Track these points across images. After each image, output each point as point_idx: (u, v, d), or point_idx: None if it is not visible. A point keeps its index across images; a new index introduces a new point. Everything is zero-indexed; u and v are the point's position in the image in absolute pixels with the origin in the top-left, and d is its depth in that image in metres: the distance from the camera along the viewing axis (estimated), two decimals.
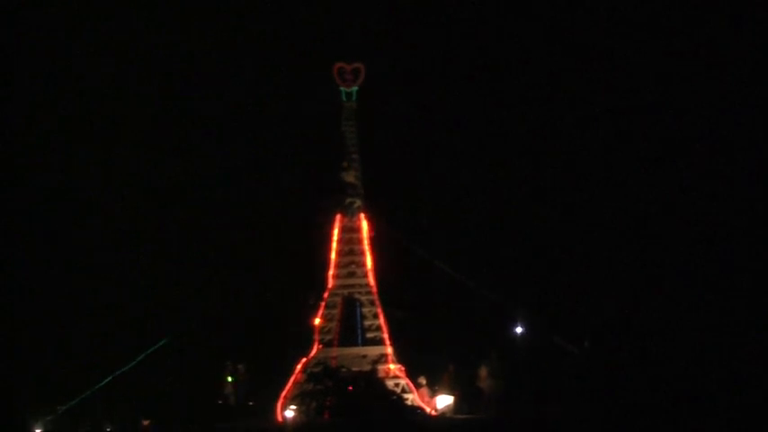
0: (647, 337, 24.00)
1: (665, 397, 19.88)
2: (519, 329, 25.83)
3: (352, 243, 28.04)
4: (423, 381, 25.66)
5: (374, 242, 27.94)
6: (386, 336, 26.53)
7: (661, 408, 19.22)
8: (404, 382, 25.66)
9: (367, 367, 24.72)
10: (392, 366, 25.95)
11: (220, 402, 25.05)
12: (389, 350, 26.29)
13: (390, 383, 25.01)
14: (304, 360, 26.14)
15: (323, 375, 23.45)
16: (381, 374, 24.98)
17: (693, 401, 18.89)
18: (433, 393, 25.21)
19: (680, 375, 21.04)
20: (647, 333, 24.28)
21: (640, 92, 33.25)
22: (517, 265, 30.53)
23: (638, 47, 33.63)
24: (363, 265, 27.72)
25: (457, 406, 24.37)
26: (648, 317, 25.29)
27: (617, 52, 33.46)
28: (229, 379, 25.31)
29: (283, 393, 25.20)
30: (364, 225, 28.15)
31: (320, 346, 26.49)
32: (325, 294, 27.28)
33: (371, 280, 27.52)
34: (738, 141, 28.94)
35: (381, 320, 26.77)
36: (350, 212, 27.99)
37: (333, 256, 27.79)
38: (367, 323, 26.84)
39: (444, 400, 24.69)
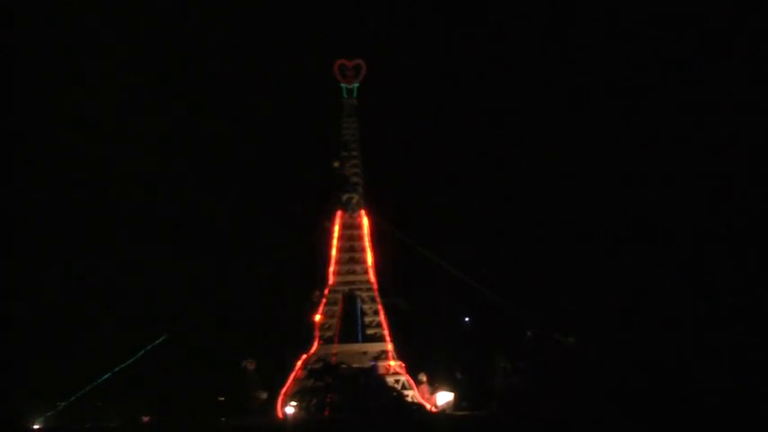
0: (643, 335, 24.09)
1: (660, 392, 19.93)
2: (467, 319, 25.72)
3: (353, 240, 28.03)
4: (423, 378, 25.64)
5: (374, 238, 27.94)
6: (386, 332, 26.48)
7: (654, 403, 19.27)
8: (404, 378, 25.64)
9: (367, 364, 24.65)
10: (392, 363, 25.91)
11: (221, 399, 25.02)
12: (390, 347, 26.24)
13: (391, 380, 25.00)
14: (304, 356, 26.10)
15: (323, 372, 23.41)
16: (382, 371, 24.92)
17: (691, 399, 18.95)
18: (434, 390, 25.21)
19: (677, 373, 21.10)
20: (644, 330, 24.36)
21: (640, 92, 33.35)
22: (516, 263, 30.55)
23: (637, 47, 33.73)
24: (364, 261, 27.72)
25: (456, 403, 24.36)
26: (645, 314, 25.37)
27: (619, 54, 33.58)
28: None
29: (284, 390, 25.16)
30: (365, 221, 28.15)
31: (320, 343, 26.43)
32: (326, 291, 27.25)
33: (372, 276, 27.52)
34: (738, 141, 29.03)
35: (382, 317, 26.73)
36: (349, 208, 27.95)
37: (333, 252, 27.78)
38: (367, 320, 26.79)
39: (444, 397, 24.68)
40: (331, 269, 27.59)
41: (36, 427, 23.62)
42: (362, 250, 27.82)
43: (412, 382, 25.59)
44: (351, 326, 26.34)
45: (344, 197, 27.92)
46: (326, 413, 22.18)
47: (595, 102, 34.02)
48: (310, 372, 23.98)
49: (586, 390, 21.81)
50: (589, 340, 24.88)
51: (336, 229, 27.97)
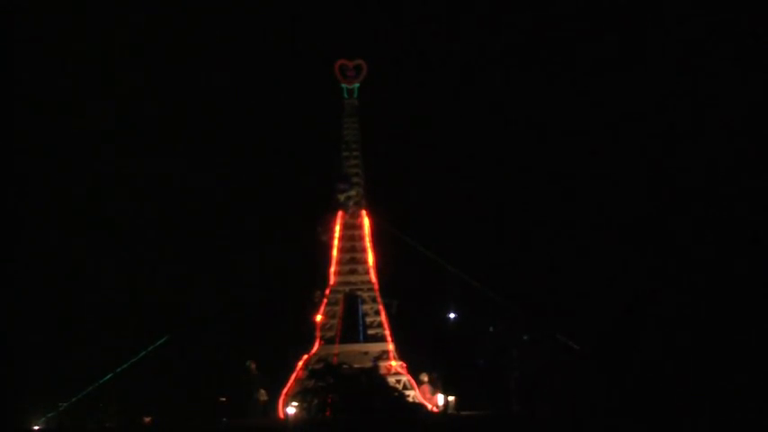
0: (644, 336, 24.12)
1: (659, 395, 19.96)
2: (452, 315, 25.60)
3: (354, 240, 28.06)
4: (425, 378, 25.70)
5: (375, 238, 27.96)
6: (387, 332, 26.53)
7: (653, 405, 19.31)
8: (405, 378, 25.71)
9: (368, 364, 24.67)
10: (394, 363, 25.98)
11: (223, 400, 25.08)
12: (391, 347, 26.32)
13: (392, 380, 25.02)
14: (305, 357, 26.16)
15: (324, 372, 23.38)
16: (383, 371, 24.96)
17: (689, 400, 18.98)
18: (435, 390, 25.25)
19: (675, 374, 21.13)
20: (645, 331, 24.38)
21: (640, 91, 33.36)
22: (516, 263, 30.58)
23: (637, 47, 33.76)
24: (365, 261, 27.75)
25: (458, 403, 24.36)
26: (646, 316, 25.39)
27: (621, 55, 33.62)
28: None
29: (285, 390, 25.23)
30: (366, 222, 28.17)
31: (321, 343, 26.50)
32: (327, 291, 27.29)
33: (373, 277, 27.55)
34: (739, 142, 29.06)
35: (383, 317, 26.78)
36: (348, 205, 27.93)
37: (334, 252, 27.79)
38: (368, 320, 26.85)
39: (448, 397, 24.70)
40: (332, 269, 27.62)
41: (36, 427, 23.65)
42: (363, 250, 27.85)
43: (413, 382, 25.66)
44: (352, 326, 26.40)
45: (343, 195, 27.90)
46: (328, 413, 22.17)
47: (596, 101, 34.02)
48: (311, 372, 23.96)
49: (586, 390, 21.86)
50: (588, 340, 24.95)
51: (337, 229, 27.98)
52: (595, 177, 32.74)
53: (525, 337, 23.99)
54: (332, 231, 27.76)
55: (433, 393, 25.25)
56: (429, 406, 24.59)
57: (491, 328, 23.80)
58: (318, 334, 26.63)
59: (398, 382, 25.39)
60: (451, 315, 25.56)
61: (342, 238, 27.95)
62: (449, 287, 26.54)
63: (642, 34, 33.40)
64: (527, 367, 23.30)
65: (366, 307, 27.06)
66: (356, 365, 24.04)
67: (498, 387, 23.25)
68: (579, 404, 20.94)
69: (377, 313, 26.93)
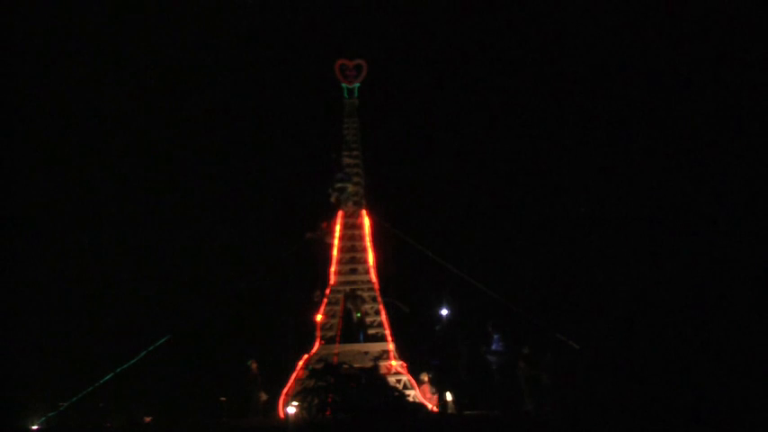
0: (643, 337, 24.13)
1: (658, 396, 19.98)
2: (444, 311, 25.48)
3: (354, 240, 28.05)
4: (425, 377, 25.69)
5: (376, 238, 27.96)
6: (388, 332, 26.53)
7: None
8: (405, 378, 25.69)
9: (369, 364, 24.65)
10: (394, 363, 25.96)
11: (223, 399, 25.06)
12: (391, 347, 26.31)
13: (392, 380, 25.02)
14: (305, 357, 26.15)
15: (324, 372, 23.37)
16: (383, 371, 24.94)
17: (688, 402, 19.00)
18: (435, 390, 25.21)
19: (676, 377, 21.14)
20: (645, 332, 24.40)
21: (639, 90, 33.36)
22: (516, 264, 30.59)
23: (636, 45, 33.76)
24: (365, 261, 27.75)
25: (458, 403, 24.34)
26: (645, 317, 25.41)
27: (619, 54, 33.63)
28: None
29: (285, 390, 25.22)
30: (366, 221, 28.17)
31: (322, 343, 26.49)
32: (327, 291, 27.29)
33: (373, 276, 27.55)
34: (739, 142, 29.07)
35: (383, 317, 26.77)
36: (343, 199, 27.86)
37: (334, 252, 27.80)
38: (369, 320, 26.83)
39: (447, 397, 24.66)
40: (332, 269, 27.62)
41: (35, 427, 23.61)
42: (364, 250, 27.85)
43: (413, 381, 25.65)
44: (352, 326, 26.38)
45: (337, 185, 27.83)
46: (328, 413, 22.16)
47: (595, 100, 34.03)
48: (312, 372, 23.95)
49: (586, 390, 21.85)
50: (588, 341, 24.94)
51: (337, 228, 27.98)
52: (595, 177, 32.76)
53: (495, 335, 23.93)
54: (330, 232, 27.72)
55: (434, 393, 25.21)
56: (429, 406, 24.57)
57: (437, 327, 23.82)
58: (318, 334, 26.63)
59: (399, 381, 25.38)
60: (443, 312, 25.39)
61: (342, 238, 27.95)
62: (449, 286, 26.47)
63: (643, 34, 33.41)
64: (498, 364, 23.30)
65: (366, 307, 27.04)
66: (356, 365, 24.04)
67: (489, 386, 23.21)
68: (578, 403, 20.93)
69: (377, 313, 26.93)
